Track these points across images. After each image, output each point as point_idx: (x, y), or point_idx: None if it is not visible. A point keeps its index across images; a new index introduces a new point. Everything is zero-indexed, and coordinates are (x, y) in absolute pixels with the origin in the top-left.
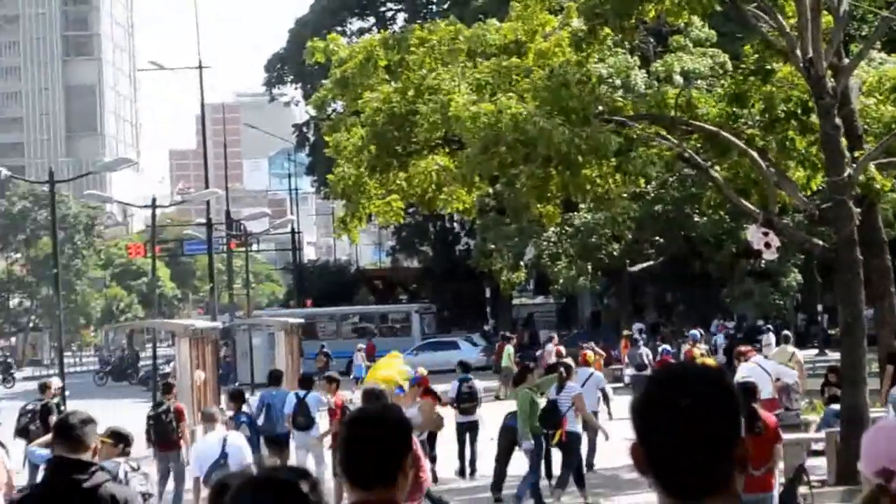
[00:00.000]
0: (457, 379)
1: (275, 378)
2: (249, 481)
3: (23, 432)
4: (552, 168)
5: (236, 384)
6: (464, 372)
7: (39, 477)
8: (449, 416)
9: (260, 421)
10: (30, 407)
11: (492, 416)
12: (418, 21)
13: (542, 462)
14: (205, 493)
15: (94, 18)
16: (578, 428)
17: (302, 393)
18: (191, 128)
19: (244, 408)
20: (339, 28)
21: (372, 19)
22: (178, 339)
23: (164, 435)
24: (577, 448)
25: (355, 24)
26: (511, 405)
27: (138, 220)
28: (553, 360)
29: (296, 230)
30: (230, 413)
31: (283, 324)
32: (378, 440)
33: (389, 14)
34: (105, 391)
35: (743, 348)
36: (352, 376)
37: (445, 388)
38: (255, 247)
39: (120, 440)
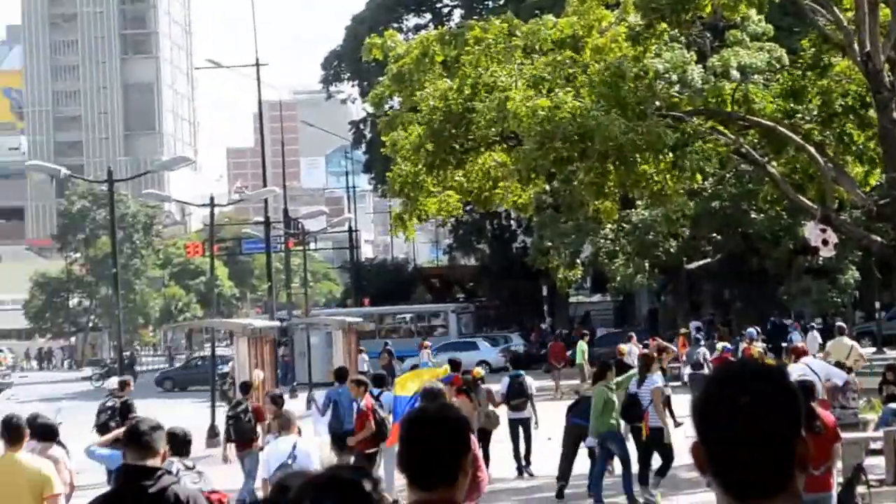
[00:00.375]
0: (507, 375)
1: (341, 375)
2: (312, 480)
3: (102, 429)
4: (609, 164)
5: (294, 383)
6: (514, 368)
7: (102, 473)
8: (501, 413)
9: (326, 418)
10: (109, 404)
11: (549, 415)
12: (474, 17)
13: (608, 457)
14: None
15: (151, 17)
16: (660, 422)
17: (376, 391)
18: (248, 126)
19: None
20: (395, 24)
21: (428, 15)
22: (236, 338)
23: (243, 434)
24: (661, 441)
25: (411, 20)
26: (566, 404)
27: (196, 219)
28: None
29: (353, 228)
30: (270, 416)
31: (341, 323)
32: (438, 440)
33: (445, 10)
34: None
35: (799, 344)
36: None
37: (496, 386)
38: (312, 245)
39: (169, 440)
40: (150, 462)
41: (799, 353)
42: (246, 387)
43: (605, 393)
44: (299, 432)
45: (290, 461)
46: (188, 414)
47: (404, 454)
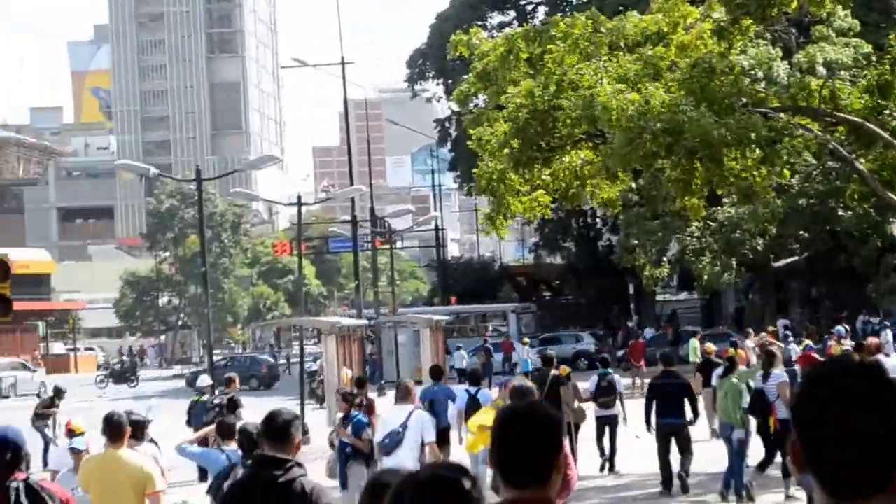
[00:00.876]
0: (596, 374)
1: (436, 374)
2: (410, 478)
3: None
4: (696, 160)
5: (382, 381)
6: (603, 367)
7: (193, 471)
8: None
9: None
10: (216, 401)
11: (634, 412)
12: (559, 14)
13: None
14: (381, 459)
15: (237, 16)
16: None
17: (473, 389)
18: (333, 124)
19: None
20: (479, 22)
21: (512, 13)
22: (324, 336)
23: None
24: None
25: (495, 18)
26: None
27: (283, 217)
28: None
29: (439, 227)
30: (340, 414)
31: (429, 321)
32: (532, 438)
33: (529, 7)
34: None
35: (874, 341)
36: (518, 371)
37: (585, 384)
38: (398, 244)
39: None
40: (285, 453)
41: (873, 350)
42: (361, 382)
43: (736, 385)
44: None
45: (400, 429)
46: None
47: (496, 452)
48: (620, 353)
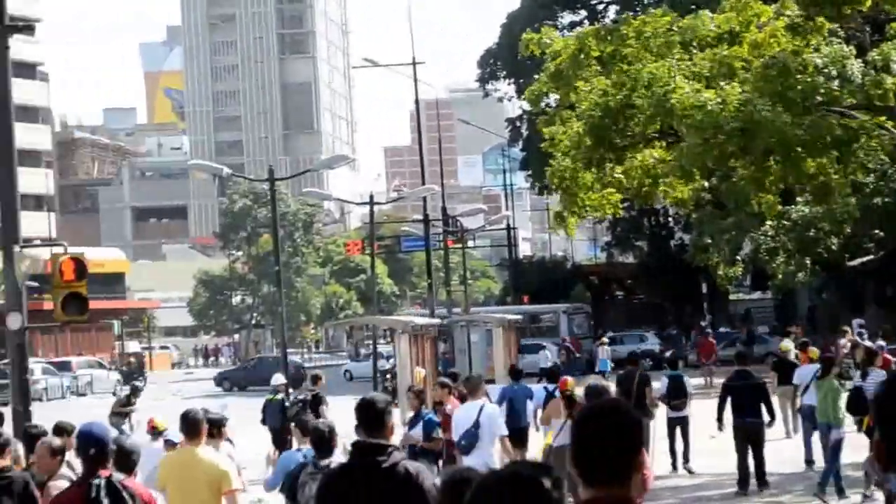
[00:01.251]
0: (666, 375)
1: (516, 373)
2: (491, 476)
3: (293, 421)
4: (771, 159)
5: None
6: (672, 368)
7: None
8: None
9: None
10: (301, 396)
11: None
12: (630, 13)
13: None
14: (459, 458)
15: (308, 16)
16: None
17: (551, 387)
18: (404, 124)
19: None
20: (549, 21)
21: (583, 12)
22: (397, 335)
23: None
24: None
25: (566, 17)
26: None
27: (355, 217)
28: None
29: (511, 226)
30: (411, 413)
31: (501, 320)
32: (611, 437)
33: (601, 7)
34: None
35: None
36: (596, 370)
37: (657, 384)
38: (470, 243)
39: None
40: (382, 438)
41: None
42: (453, 377)
43: (836, 384)
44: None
45: (473, 428)
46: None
47: (574, 451)
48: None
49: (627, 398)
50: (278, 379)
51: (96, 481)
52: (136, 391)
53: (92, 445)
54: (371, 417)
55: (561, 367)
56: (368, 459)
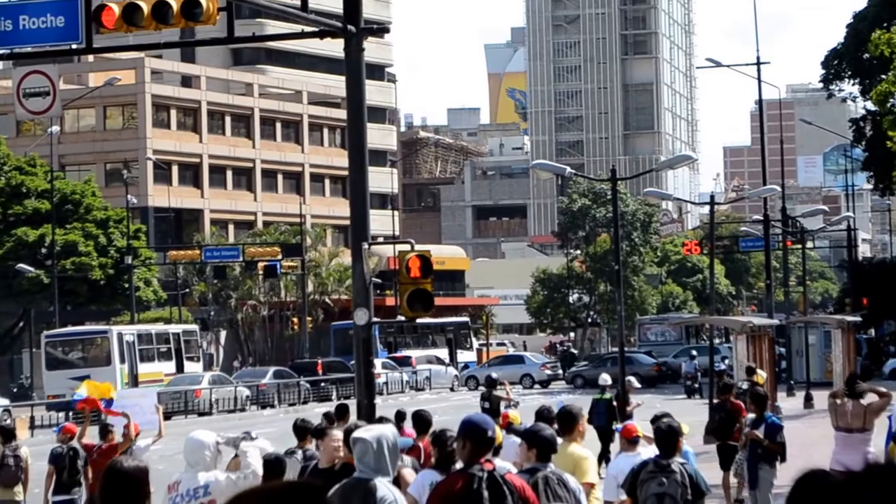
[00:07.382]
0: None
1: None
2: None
3: None
4: None
5: (791, 382)
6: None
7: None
8: None
9: None
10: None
11: None
12: None
13: None
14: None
15: (651, 17)
16: None
17: None
18: (744, 124)
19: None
20: None
21: None
22: (734, 335)
23: (727, 434)
24: None
25: None
26: None
27: (692, 217)
28: None
29: (851, 227)
30: (752, 415)
31: (840, 322)
32: None
33: None
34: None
35: None
36: None
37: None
38: (809, 244)
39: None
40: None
41: None
42: (727, 387)
43: None
44: None
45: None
46: (686, 409)
47: None
48: None
49: None
50: (605, 380)
51: (478, 472)
52: (492, 383)
53: (473, 435)
54: None
55: None
56: None
